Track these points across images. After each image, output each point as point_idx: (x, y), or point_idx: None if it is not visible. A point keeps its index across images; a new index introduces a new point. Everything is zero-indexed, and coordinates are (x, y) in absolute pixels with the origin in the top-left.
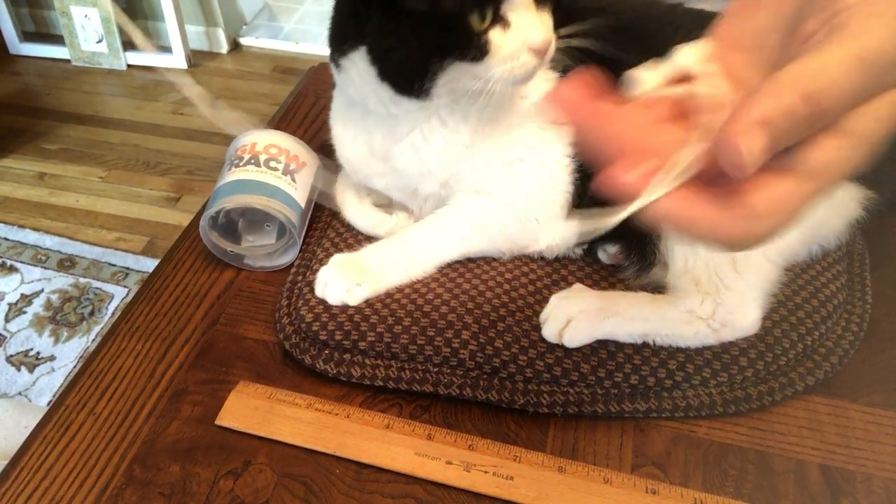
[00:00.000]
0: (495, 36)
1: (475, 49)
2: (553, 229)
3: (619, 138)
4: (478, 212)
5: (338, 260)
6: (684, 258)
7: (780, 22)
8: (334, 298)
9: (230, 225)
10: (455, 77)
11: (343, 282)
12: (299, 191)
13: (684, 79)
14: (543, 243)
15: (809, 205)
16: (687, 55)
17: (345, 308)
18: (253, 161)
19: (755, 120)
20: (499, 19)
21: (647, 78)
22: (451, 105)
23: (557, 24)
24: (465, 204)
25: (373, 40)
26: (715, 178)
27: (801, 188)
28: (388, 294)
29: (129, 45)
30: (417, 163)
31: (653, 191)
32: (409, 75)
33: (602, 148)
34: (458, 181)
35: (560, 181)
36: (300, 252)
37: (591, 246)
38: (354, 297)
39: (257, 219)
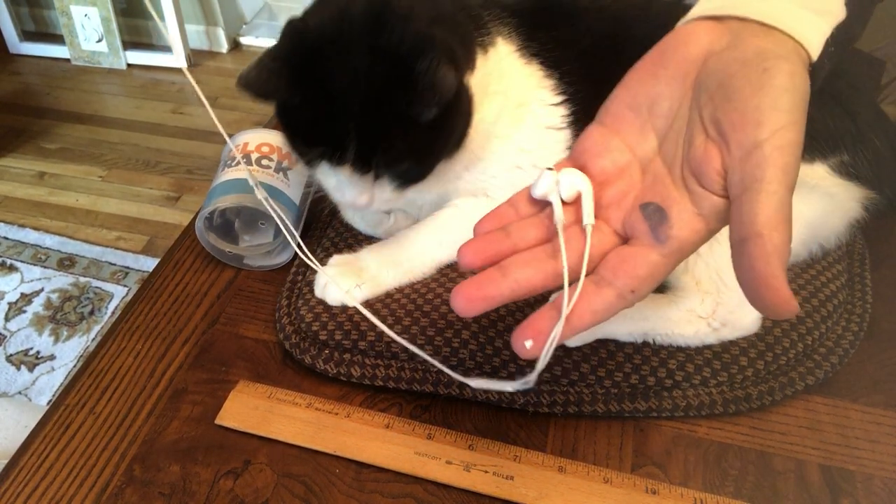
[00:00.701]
0: (321, 172)
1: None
2: None
3: (513, 289)
4: (476, 214)
5: (337, 261)
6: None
7: (674, 93)
8: (334, 299)
9: (227, 225)
10: None
11: (343, 283)
12: (293, 188)
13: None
14: None
15: (669, 273)
16: (545, 184)
17: (345, 308)
18: (245, 160)
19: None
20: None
21: (541, 185)
22: None
23: (557, 26)
24: (463, 206)
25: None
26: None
27: (665, 261)
28: (388, 294)
29: (129, 44)
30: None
31: (550, 341)
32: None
33: (508, 297)
34: (457, 191)
35: None
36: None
37: None
38: (354, 299)
39: (253, 218)
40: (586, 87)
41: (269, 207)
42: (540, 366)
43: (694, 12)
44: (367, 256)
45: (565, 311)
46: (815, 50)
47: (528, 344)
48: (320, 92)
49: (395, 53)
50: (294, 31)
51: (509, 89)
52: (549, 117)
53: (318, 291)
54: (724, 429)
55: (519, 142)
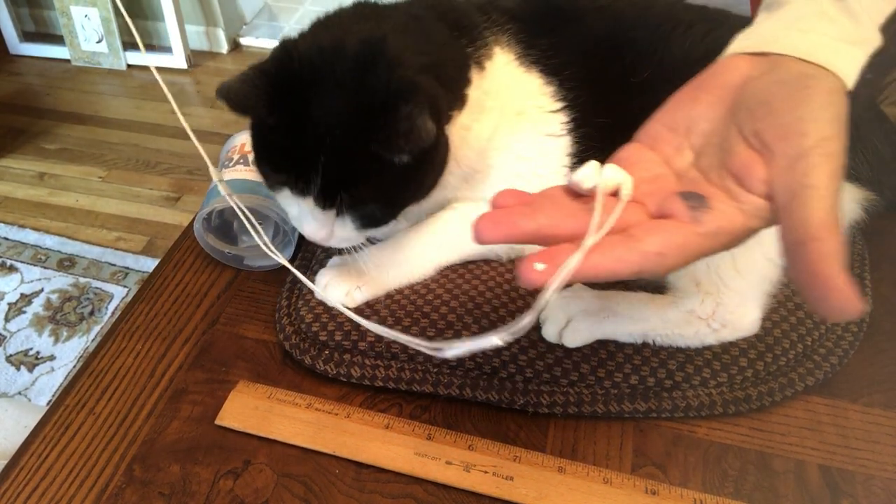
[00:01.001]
0: (283, 198)
1: None
2: None
3: (540, 226)
4: (475, 218)
5: (337, 262)
6: None
7: (713, 115)
8: (333, 301)
9: (225, 226)
10: None
11: (343, 285)
12: None
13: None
14: None
15: (702, 255)
16: (587, 172)
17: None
18: (242, 161)
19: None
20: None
21: (581, 173)
22: None
23: (556, 31)
24: (463, 210)
25: None
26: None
27: (700, 240)
28: (388, 295)
29: (128, 44)
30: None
31: (564, 268)
32: None
33: (531, 235)
34: (456, 198)
35: None
36: (300, 252)
37: None
38: (353, 301)
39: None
40: (586, 92)
41: (233, 203)
42: (543, 299)
43: (731, 49)
44: (366, 259)
45: (590, 241)
46: (851, 80)
47: (540, 266)
48: (296, 119)
49: (378, 96)
50: (285, 52)
51: (507, 101)
52: (548, 125)
53: (318, 293)
54: (723, 429)
55: (518, 151)
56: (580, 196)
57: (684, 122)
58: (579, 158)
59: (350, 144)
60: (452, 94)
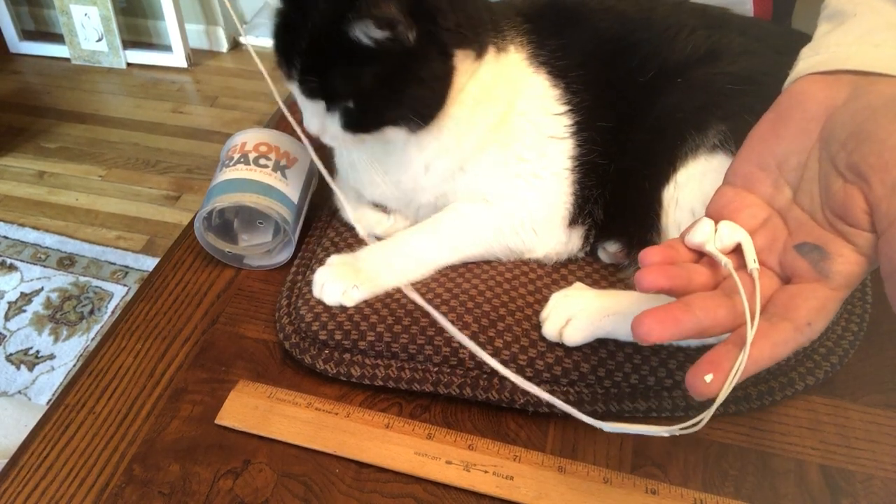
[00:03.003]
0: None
1: None
2: (551, 240)
3: (699, 321)
4: (474, 219)
5: (335, 261)
6: None
7: (801, 147)
8: (331, 300)
9: (226, 226)
10: None
11: (340, 284)
12: (291, 187)
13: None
14: (541, 252)
15: (840, 305)
16: (703, 232)
17: (344, 308)
18: (242, 160)
19: None
20: None
21: (700, 233)
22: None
23: (564, 32)
24: (461, 210)
25: None
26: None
27: (836, 294)
28: (388, 294)
29: (128, 43)
30: (412, 181)
31: (733, 375)
32: None
33: (693, 332)
34: (455, 193)
35: (559, 193)
36: (300, 251)
37: (592, 245)
38: (351, 299)
39: (251, 218)
40: (590, 95)
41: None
42: (718, 401)
43: (800, 69)
44: (365, 258)
45: (750, 338)
46: None
47: (709, 378)
48: (292, 2)
49: None
50: None
51: (515, 97)
52: (551, 127)
53: (316, 291)
54: (723, 429)
55: (518, 151)
56: (701, 254)
57: (773, 159)
58: (581, 162)
59: (325, 26)
60: (461, 17)
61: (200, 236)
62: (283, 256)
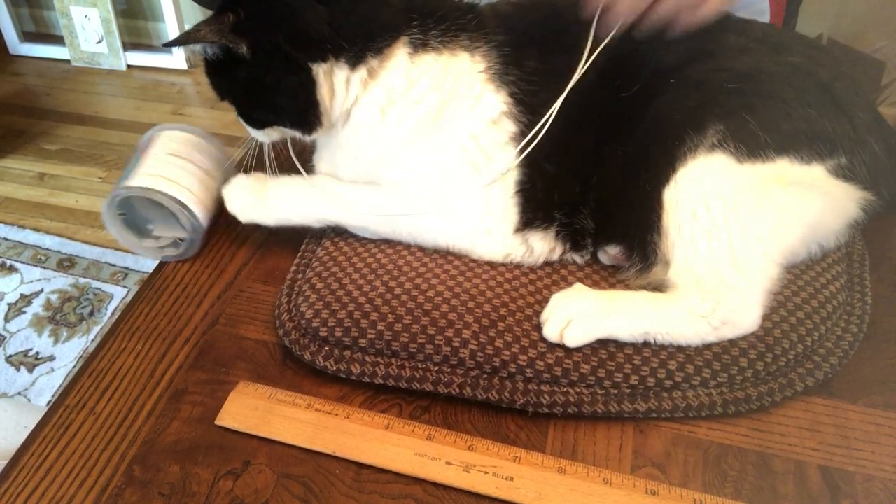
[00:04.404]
0: None
1: None
2: (495, 241)
3: None
4: (404, 191)
5: (245, 178)
6: (685, 256)
7: None
8: (234, 208)
9: (136, 219)
10: None
11: (243, 196)
12: (191, 178)
13: None
14: (483, 250)
15: None
16: None
17: (345, 305)
18: (148, 156)
19: None
20: None
21: None
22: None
23: (550, 53)
24: (387, 192)
25: None
26: None
27: None
28: (389, 291)
29: (129, 45)
30: (351, 170)
31: None
32: None
33: None
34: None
35: (500, 194)
36: (300, 251)
37: (593, 248)
38: (245, 215)
39: (162, 214)
40: (558, 144)
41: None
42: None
43: None
44: (275, 183)
45: None
46: None
47: None
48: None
49: None
50: None
51: (451, 116)
52: (492, 164)
53: (228, 205)
54: (723, 430)
55: (440, 180)
56: None
57: None
58: (522, 208)
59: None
60: (316, 31)
61: (110, 222)
62: (184, 246)
